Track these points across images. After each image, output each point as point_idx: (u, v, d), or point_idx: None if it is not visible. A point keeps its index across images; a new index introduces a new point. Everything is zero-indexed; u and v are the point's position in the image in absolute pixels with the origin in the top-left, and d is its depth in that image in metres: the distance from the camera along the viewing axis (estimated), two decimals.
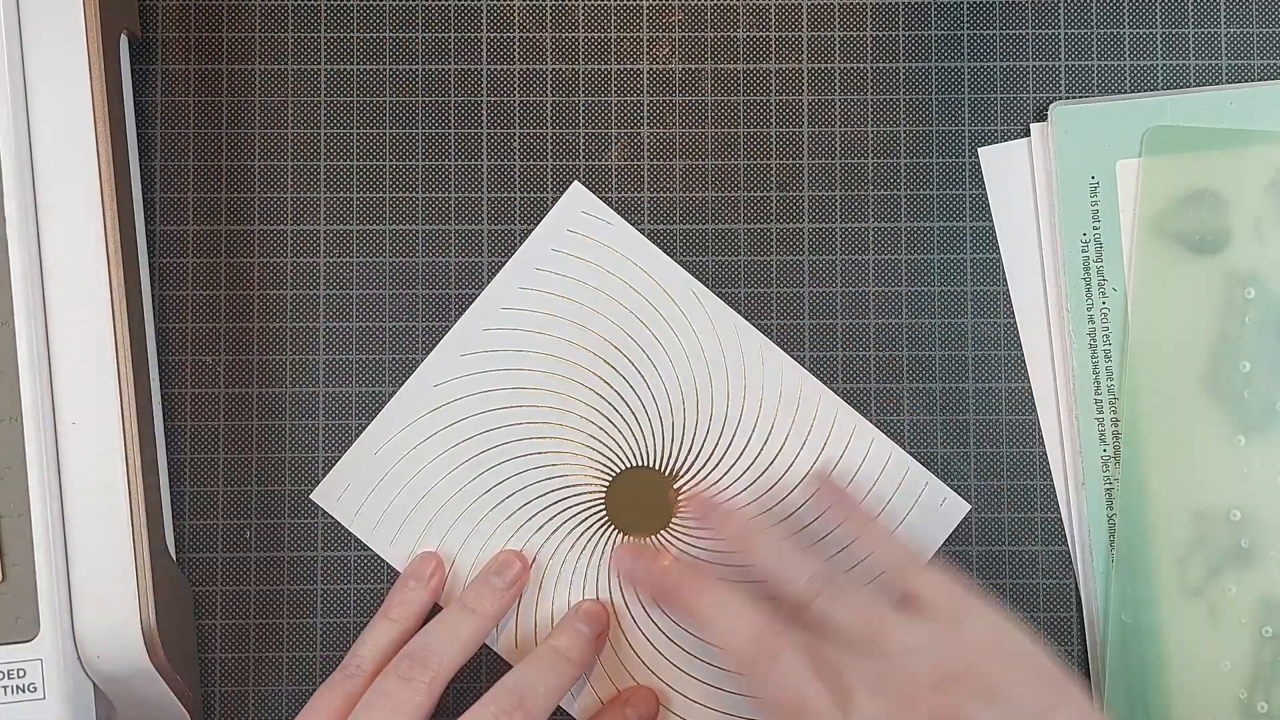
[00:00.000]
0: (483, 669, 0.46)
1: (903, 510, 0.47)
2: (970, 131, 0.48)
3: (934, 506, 0.47)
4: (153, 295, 0.47)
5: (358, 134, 0.48)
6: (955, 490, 0.47)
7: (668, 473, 0.47)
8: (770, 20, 0.48)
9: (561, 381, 0.47)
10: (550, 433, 0.47)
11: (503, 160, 0.48)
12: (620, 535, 0.47)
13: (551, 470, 0.47)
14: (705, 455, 0.47)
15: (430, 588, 0.46)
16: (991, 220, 0.48)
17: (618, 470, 0.47)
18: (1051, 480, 0.47)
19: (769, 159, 0.48)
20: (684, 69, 0.48)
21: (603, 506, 0.47)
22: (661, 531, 0.47)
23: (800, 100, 0.48)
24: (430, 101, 0.48)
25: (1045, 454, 0.47)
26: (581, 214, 0.47)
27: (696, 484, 0.47)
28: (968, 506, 0.47)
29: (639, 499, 0.47)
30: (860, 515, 0.45)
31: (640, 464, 0.47)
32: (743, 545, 0.44)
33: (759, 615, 0.41)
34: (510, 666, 0.44)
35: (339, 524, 0.47)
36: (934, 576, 0.41)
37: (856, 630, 0.40)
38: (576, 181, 0.47)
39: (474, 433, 0.47)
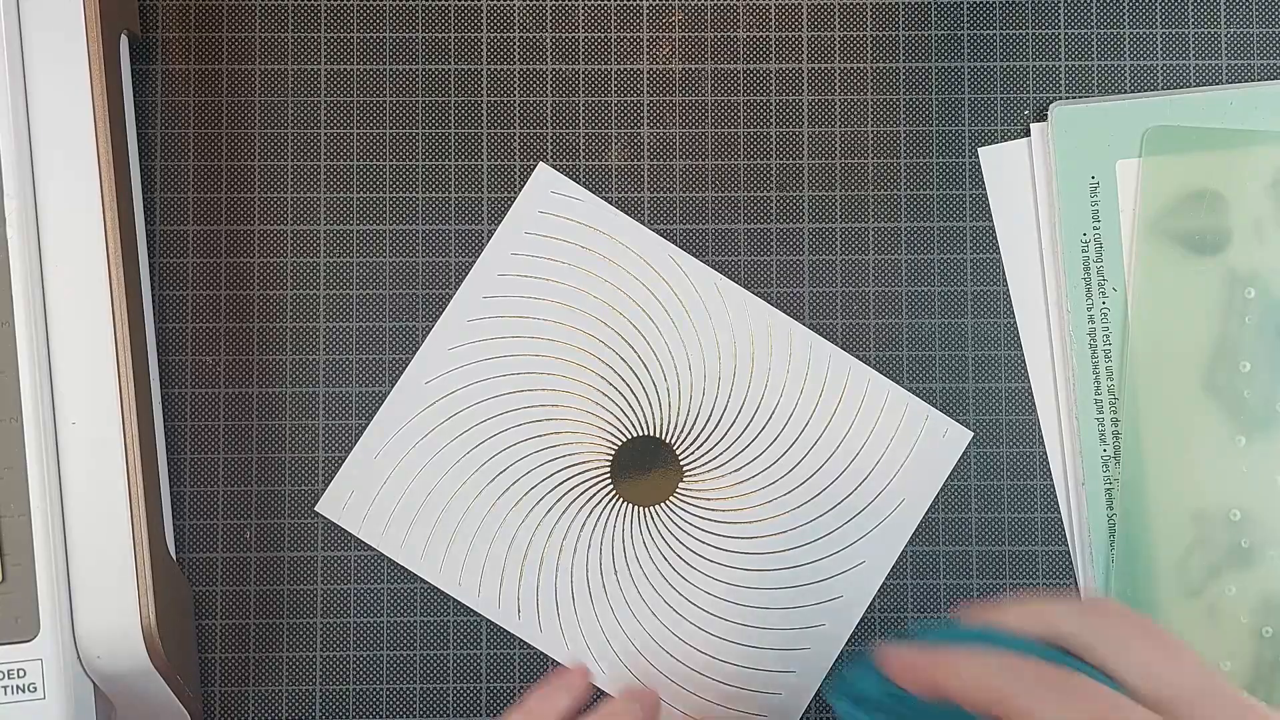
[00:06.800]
0: (482, 668, 0.46)
1: (905, 446, 0.47)
2: (970, 131, 0.48)
3: (938, 438, 0.47)
4: (153, 295, 0.47)
5: (358, 134, 0.48)
6: (955, 490, 0.47)
7: (668, 439, 0.47)
8: (770, 20, 0.48)
9: (551, 362, 0.47)
10: (547, 414, 0.47)
11: (502, 160, 0.47)
12: (628, 506, 0.47)
13: (553, 451, 0.47)
14: (704, 417, 0.47)
15: (575, 697, 0.43)
16: (991, 220, 0.47)
17: (619, 442, 0.47)
18: (1051, 480, 0.47)
19: (769, 159, 0.48)
20: (684, 69, 0.48)
21: (609, 480, 0.47)
22: (669, 498, 0.47)
23: (800, 100, 0.48)
24: (430, 101, 0.48)
25: (1045, 454, 0.47)
26: (551, 194, 0.47)
27: (699, 446, 0.47)
28: (970, 434, 0.47)
29: (643, 469, 0.47)
30: None
31: (641, 434, 0.47)
32: None
33: None
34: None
35: (339, 525, 0.47)
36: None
37: None
38: (542, 162, 0.47)
39: (471, 424, 0.47)
